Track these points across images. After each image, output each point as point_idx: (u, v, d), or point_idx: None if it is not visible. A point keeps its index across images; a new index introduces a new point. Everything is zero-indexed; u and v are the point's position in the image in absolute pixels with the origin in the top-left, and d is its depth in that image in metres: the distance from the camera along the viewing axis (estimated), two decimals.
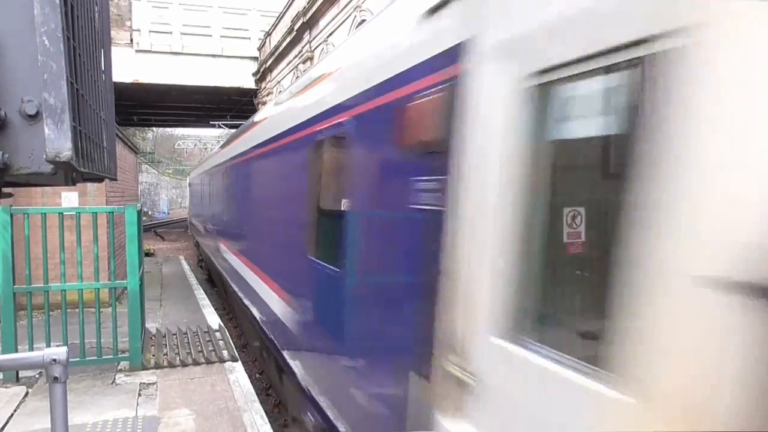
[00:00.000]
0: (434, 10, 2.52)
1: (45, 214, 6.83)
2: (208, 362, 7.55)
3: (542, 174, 1.78)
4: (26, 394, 6.31)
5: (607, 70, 1.52)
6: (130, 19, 26.55)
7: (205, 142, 52.38)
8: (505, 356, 1.83)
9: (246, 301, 7.99)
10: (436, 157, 2.35)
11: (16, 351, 6.49)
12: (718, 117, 1.23)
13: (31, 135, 1.39)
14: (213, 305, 11.98)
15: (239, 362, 7.65)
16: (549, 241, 1.81)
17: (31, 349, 6.61)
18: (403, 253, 2.92)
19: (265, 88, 27.33)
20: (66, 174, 1.78)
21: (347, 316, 3.67)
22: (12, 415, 5.76)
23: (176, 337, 8.59)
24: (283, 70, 24.14)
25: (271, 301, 6.12)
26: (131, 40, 26.74)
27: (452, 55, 2.27)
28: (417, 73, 2.66)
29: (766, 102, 1.19)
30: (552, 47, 1.69)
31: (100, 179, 2.39)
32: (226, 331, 9.31)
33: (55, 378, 2.30)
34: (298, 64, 21.45)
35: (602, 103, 1.68)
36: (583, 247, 1.77)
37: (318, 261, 4.34)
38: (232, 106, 31.36)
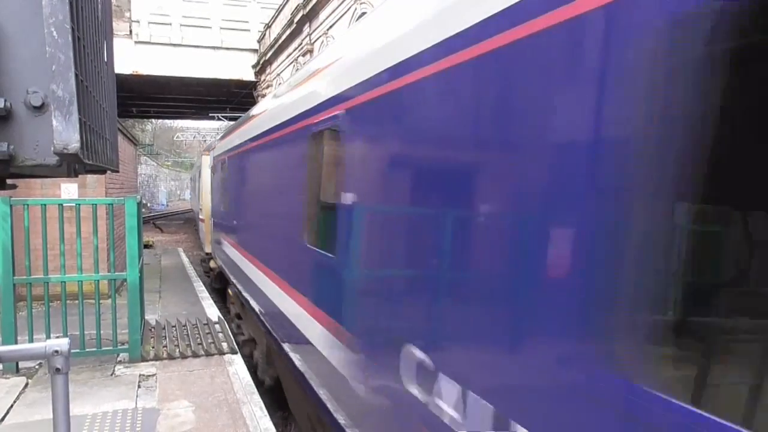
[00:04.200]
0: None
1: (45, 205, 6.81)
2: (208, 354, 7.57)
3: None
4: (26, 385, 6.33)
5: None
6: (129, 10, 26.39)
7: (205, 134, 52.26)
8: None
9: None
10: None
11: (16, 342, 6.50)
12: None
13: (36, 126, 1.39)
14: (212, 298, 11.99)
15: (238, 354, 7.67)
16: None
17: (31, 340, 6.62)
18: None
19: (264, 80, 27.22)
20: (69, 165, 1.78)
21: None
22: (12, 405, 5.78)
23: (176, 329, 8.60)
24: (283, 62, 24.06)
25: None
26: (130, 31, 26.59)
27: None
28: None
29: None
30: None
31: (102, 171, 2.39)
32: (225, 323, 9.33)
33: (57, 369, 2.30)
34: (297, 57, 21.37)
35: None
36: None
37: None
38: (232, 98, 31.26)
